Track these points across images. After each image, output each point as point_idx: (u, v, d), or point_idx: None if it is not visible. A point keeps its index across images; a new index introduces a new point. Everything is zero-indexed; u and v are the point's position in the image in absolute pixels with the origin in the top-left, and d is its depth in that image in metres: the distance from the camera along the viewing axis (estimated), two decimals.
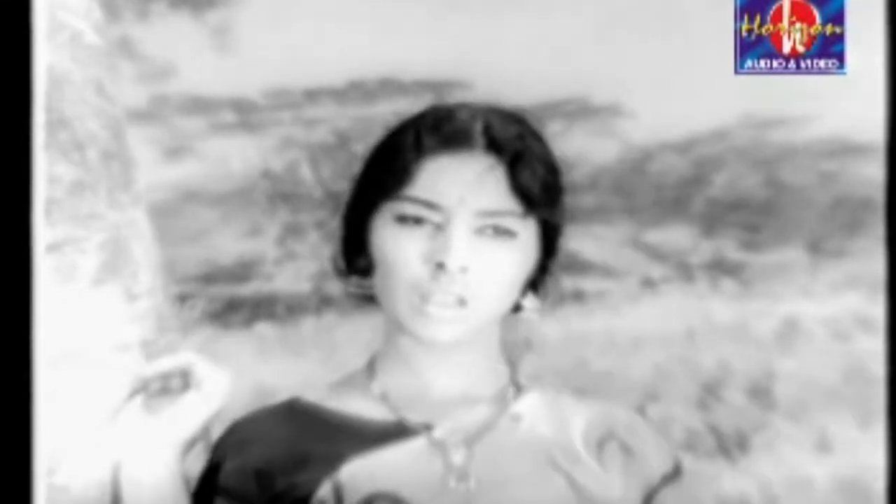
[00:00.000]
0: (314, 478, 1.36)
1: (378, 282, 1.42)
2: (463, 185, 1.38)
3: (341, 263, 1.48)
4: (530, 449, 1.45)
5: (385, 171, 1.40)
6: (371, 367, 1.48)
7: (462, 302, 1.38)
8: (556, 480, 1.41)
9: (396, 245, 1.39)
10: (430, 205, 1.39)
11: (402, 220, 1.40)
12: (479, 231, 1.40)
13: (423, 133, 1.40)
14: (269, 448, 1.39)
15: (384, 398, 1.45)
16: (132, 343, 2.41)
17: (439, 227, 1.38)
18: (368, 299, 1.47)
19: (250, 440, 1.42)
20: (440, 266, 1.37)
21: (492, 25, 3.17)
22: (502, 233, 1.41)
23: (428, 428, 1.43)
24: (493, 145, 1.42)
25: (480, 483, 1.39)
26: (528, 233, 1.43)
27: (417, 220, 1.39)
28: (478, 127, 1.41)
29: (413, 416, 1.44)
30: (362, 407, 1.44)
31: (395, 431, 1.42)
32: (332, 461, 1.37)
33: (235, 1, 3.30)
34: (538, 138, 1.46)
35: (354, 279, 1.46)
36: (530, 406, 1.49)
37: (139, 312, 2.44)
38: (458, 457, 1.40)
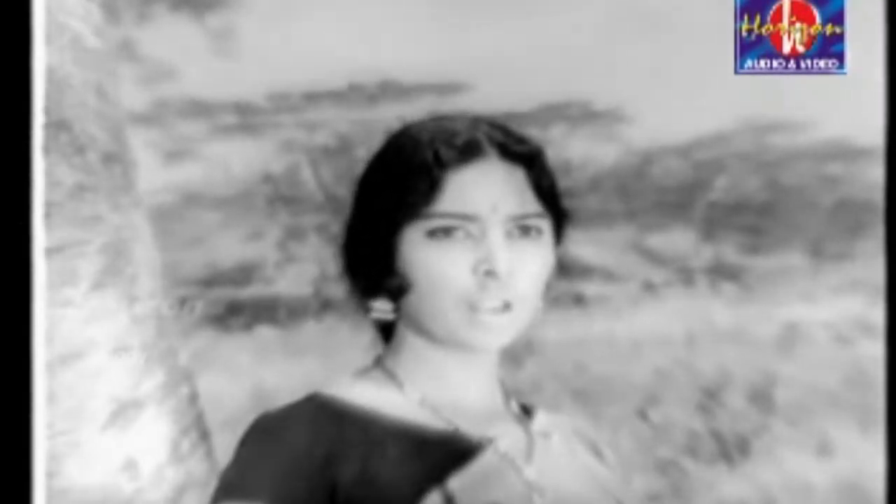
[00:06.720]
0: (410, 482, 1.36)
1: (416, 299, 1.42)
2: (491, 193, 1.41)
3: (362, 287, 1.46)
4: (572, 465, 1.47)
5: (410, 190, 1.40)
6: (388, 371, 1.46)
7: (508, 306, 1.40)
8: (604, 495, 1.44)
9: (438, 260, 1.40)
10: (466, 217, 1.40)
11: (433, 234, 1.40)
12: (509, 234, 1.41)
13: (440, 148, 1.41)
14: (361, 452, 1.38)
15: (423, 404, 1.44)
16: (132, 346, 2.41)
17: (470, 236, 1.40)
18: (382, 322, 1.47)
19: (342, 443, 1.39)
20: (489, 273, 1.38)
21: (493, 29, 3.17)
22: (531, 231, 1.42)
23: (489, 441, 1.43)
24: (506, 153, 1.44)
25: (557, 500, 1.41)
26: (548, 231, 1.45)
27: (447, 232, 1.40)
28: (486, 137, 1.43)
29: (464, 427, 1.44)
30: (407, 412, 1.43)
31: (453, 441, 1.42)
32: (429, 468, 1.37)
33: (236, 4, 3.30)
34: (530, 140, 1.48)
35: (380, 303, 1.45)
36: (546, 422, 1.50)
37: (140, 315, 2.43)
38: (530, 472, 1.42)
